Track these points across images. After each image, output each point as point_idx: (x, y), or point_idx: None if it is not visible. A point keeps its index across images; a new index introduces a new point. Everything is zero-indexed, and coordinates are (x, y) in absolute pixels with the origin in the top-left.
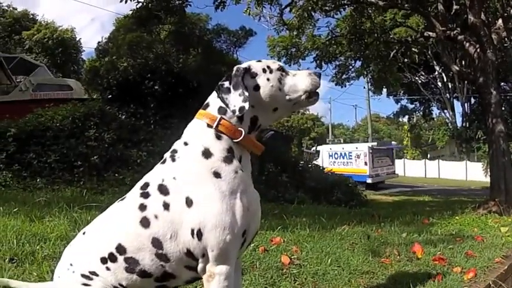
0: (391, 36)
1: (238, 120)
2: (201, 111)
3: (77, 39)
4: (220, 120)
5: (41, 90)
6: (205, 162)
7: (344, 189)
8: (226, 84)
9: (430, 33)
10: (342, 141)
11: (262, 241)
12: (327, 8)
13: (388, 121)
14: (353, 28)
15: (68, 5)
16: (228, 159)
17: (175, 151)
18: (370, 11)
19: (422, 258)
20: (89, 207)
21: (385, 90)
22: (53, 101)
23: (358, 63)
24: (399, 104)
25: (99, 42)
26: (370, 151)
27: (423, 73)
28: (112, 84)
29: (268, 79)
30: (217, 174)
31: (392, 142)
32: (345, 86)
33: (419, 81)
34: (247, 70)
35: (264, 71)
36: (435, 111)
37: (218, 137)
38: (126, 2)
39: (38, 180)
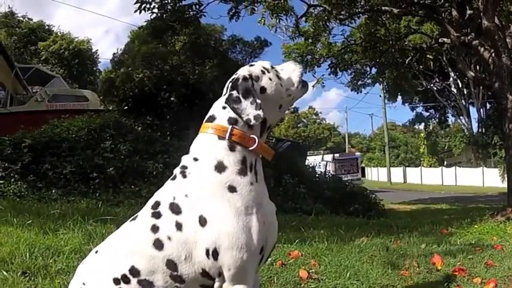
0: (405, 43)
1: (249, 127)
2: (206, 124)
3: (94, 50)
4: (232, 130)
5: (56, 100)
6: (219, 177)
7: (362, 199)
8: (235, 93)
9: (445, 39)
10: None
11: (279, 255)
12: (341, 16)
13: (404, 129)
14: (368, 36)
15: (82, 17)
16: (242, 172)
17: (185, 167)
18: (384, 19)
19: (442, 269)
20: (104, 221)
21: (400, 98)
22: (68, 112)
23: (374, 70)
24: (415, 111)
25: (114, 53)
26: (334, 160)
27: (438, 80)
28: (128, 95)
29: (270, 79)
30: (232, 189)
31: (357, 153)
32: (361, 92)
33: (435, 88)
34: (250, 76)
35: (263, 72)
36: (451, 118)
37: (232, 149)
38: (140, 12)
39: (53, 191)
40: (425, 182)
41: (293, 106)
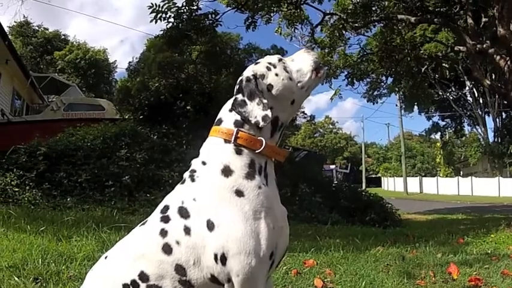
0: (421, 52)
1: (258, 129)
2: (214, 127)
3: (110, 60)
4: (237, 133)
5: (72, 109)
6: (226, 181)
7: (378, 209)
8: (240, 97)
9: (460, 48)
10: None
11: (295, 263)
12: (357, 25)
13: (420, 139)
14: (383, 45)
15: (97, 27)
16: (250, 176)
17: (194, 171)
18: (400, 27)
19: (458, 279)
20: (118, 228)
21: (416, 107)
22: (84, 121)
23: (390, 80)
24: (431, 121)
25: (130, 62)
26: None
27: (454, 89)
28: (144, 104)
29: (276, 74)
30: (239, 193)
31: (331, 166)
32: (377, 103)
33: (451, 97)
34: (255, 75)
35: (269, 68)
36: (467, 128)
37: (238, 152)
38: (156, 22)
39: (68, 199)
40: (442, 192)
41: (309, 115)
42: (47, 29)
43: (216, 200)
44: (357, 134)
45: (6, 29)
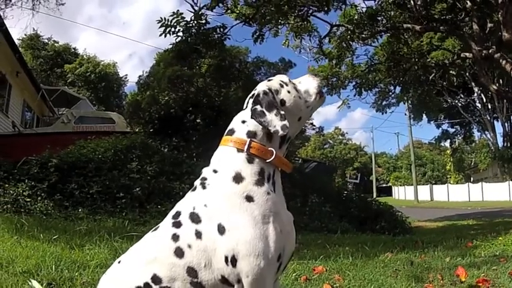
0: (428, 60)
1: (268, 140)
2: (226, 137)
3: (120, 73)
4: (250, 143)
5: (83, 122)
6: (236, 187)
7: (388, 217)
8: (259, 108)
9: (467, 54)
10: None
11: (304, 270)
12: (363, 35)
13: (430, 147)
14: (390, 54)
15: (106, 41)
16: (259, 182)
17: (205, 178)
18: (406, 37)
19: (465, 281)
20: (130, 237)
21: (425, 115)
22: (95, 134)
23: (398, 89)
24: (440, 128)
25: (139, 76)
26: None
27: (462, 96)
28: (154, 117)
29: (288, 91)
30: (249, 198)
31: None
32: (386, 113)
33: (459, 104)
34: (271, 90)
35: (282, 85)
36: (476, 134)
37: (250, 161)
38: (165, 36)
39: (80, 210)
40: (452, 199)
41: (318, 126)
42: (57, 42)
43: (227, 205)
44: (366, 144)
45: (17, 42)
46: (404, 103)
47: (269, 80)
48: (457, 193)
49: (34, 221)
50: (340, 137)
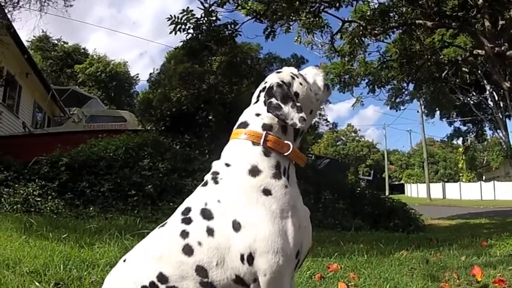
0: (441, 57)
1: (283, 133)
2: (239, 130)
3: (131, 72)
4: (266, 136)
5: (94, 121)
6: (253, 181)
7: (402, 214)
8: (274, 101)
9: (479, 51)
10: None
11: (318, 268)
12: (376, 32)
13: (442, 144)
14: (403, 51)
15: (116, 40)
16: (277, 175)
17: (217, 173)
18: (418, 33)
19: (482, 281)
20: (142, 234)
21: (438, 113)
22: (106, 132)
23: (411, 86)
24: (452, 126)
25: (150, 73)
26: None
27: (474, 93)
28: (165, 115)
29: (300, 84)
30: (267, 192)
31: None
32: (399, 110)
33: (471, 102)
34: (284, 82)
35: (293, 77)
36: (488, 132)
37: (266, 154)
38: (175, 33)
39: (91, 208)
40: (465, 198)
41: (332, 122)
42: (67, 43)
43: (243, 200)
44: (379, 141)
45: (27, 44)
46: (418, 100)
47: (278, 72)
48: (469, 191)
49: (44, 220)
50: (353, 134)
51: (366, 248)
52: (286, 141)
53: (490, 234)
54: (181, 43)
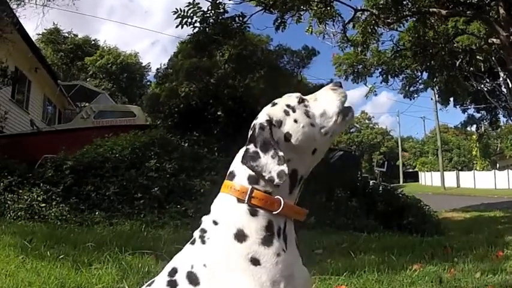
0: (455, 45)
1: (275, 185)
2: (226, 182)
3: (144, 63)
4: (252, 191)
5: (103, 117)
6: (239, 248)
7: (415, 211)
8: (252, 148)
9: (494, 40)
10: None
11: None
12: (389, 20)
13: (456, 131)
14: (417, 39)
15: (128, 30)
16: (267, 241)
17: (204, 231)
18: (432, 21)
19: None
20: (143, 251)
21: (451, 99)
22: (115, 128)
23: (425, 75)
24: (466, 113)
25: (157, 68)
26: None
27: (488, 80)
28: (173, 111)
29: (295, 120)
30: (255, 261)
31: None
32: (413, 99)
33: (485, 89)
34: (270, 121)
35: (287, 113)
36: (502, 119)
37: (253, 213)
38: (182, 27)
39: (97, 213)
40: (478, 186)
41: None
42: (77, 35)
43: (229, 267)
44: (392, 128)
45: (36, 37)
46: (432, 89)
47: (273, 105)
48: (483, 180)
49: (47, 230)
50: (367, 121)
51: (377, 260)
52: (276, 197)
53: (505, 231)
54: (188, 36)
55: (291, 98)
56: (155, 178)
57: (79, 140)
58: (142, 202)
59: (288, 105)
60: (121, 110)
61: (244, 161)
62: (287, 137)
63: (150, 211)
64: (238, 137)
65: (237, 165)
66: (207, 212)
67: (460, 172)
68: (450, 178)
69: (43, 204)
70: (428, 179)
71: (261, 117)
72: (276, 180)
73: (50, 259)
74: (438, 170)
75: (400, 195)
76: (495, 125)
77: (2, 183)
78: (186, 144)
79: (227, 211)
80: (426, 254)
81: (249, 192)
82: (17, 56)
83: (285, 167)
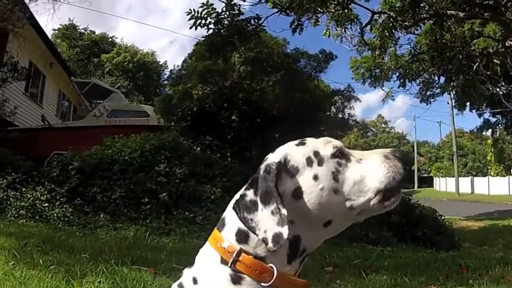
0: (472, 48)
1: (269, 250)
2: (215, 232)
3: (161, 62)
4: (239, 254)
5: (116, 116)
6: None
7: (430, 223)
8: (250, 195)
9: (511, 42)
10: None
11: None
12: (406, 23)
13: (471, 136)
14: (434, 42)
15: (146, 28)
16: None
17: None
18: (449, 23)
19: None
20: (141, 263)
21: (467, 104)
22: (128, 128)
23: (442, 79)
24: (482, 118)
25: (171, 70)
26: None
27: (503, 84)
28: (186, 114)
29: (315, 177)
30: None
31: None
32: (430, 103)
33: (501, 93)
34: (283, 165)
35: (309, 162)
36: None
37: (236, 281)
38: (196, 29)
39: (101, 216)
40: (493, 193)
41: (358, 114)
42: (94, 32)
43: None
44: (408, 132)
45: (53, 33)
46: (449, 93)
47: (300, 144)
48: (497, 186)
49: (46, 231)
50: (383, 125)
51: (389, 282)
52: (269, 265)
53: None
54: (203, 38)
55: (327, 146)
56: (164, 183)
57: (90, 138)
58: (149, 207)
59: (315, 153)
60: (134, 110)
61: (237, 209)
62: (297, 193)
63: (156, 217)
64: (252, 142)
65: (230, 213)
66: (216, 220)
67: (475, 178)
68: (465, 184)
69: (46, 204)
70: (443, 184)
71: (274, 156)
72: (270, 245)
73: (42, 267)
74: (453, 176)
75: (416, 205)
76: (510, 130)
77: (5, 180)
78: (198, 149)
79: (208, 271)
80: (440, 274)
81: (234, 255)
82: (32, 50)
83: (284, 230)
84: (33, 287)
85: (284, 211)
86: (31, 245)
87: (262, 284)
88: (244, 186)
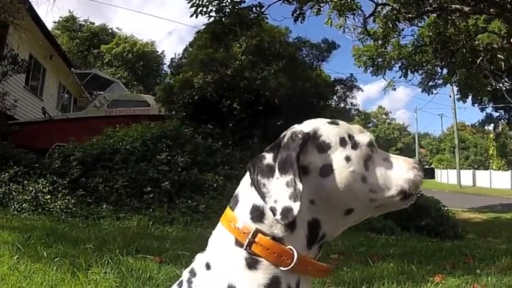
0: (476, 43)
1: (288, 227)
2: (228, 211)
3: (159, 52)
4: (255, 234)
5: (116, 106)
6: None
7: (434, 213)
8: (269, 158)
9: None
10: None
11: None
12: (410, 15)
13: (473, 129)
14: (437, 35)
15: (144, 19)
16: None
17: (193, 274)
18: (453, 17)
19: None
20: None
21: (470, 97)
22: (129, 118)
23: (445, 71)
24: (484, 112)
25: (172, 58)
26: None
27: (507, 79)
28: (187, 102)
29: (348, 158)
30: None
31: None
32: (432, 94)
33: (504, 88)
34: (312, 137)
35: (343, 142)
36: None
37: (251, 265)
38: (196, 17)
39: (104, 206)
40: (494, 186)
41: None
42: (93, 23)
43: None
44: (409, 123)
45: (53, 25)
46: (451, 85)
47: (332, 123)
48: (499, 180)
49: (49, 224)
50: (384, 117)
51: (395, 269)
52: (288, 247)
53: None
54: (204, 26)
55: (363, 134)
56: (166, 171)
57: (91, 129)
58: (151, 196)
59: (350, 135)
60: (135, 100)
61: (252, 169)
62: (324, 171)
63: (159, 206)
64: (253, 131)
65: (243, 188)
66: (219, 208)
67: (477, 171)
68: (466, 176)
69: (48, 196)
70: (445, 176)
71: (302, 126)
72: (278, 216)
73: (46, 260)
74: (454, 168)
75: (419, 195)
76: None
77: (7, 174)
78: (200, 137)
79: (222, 255)
80: (447, 263)
81: (250, 236)
82: (32, 43)
83: (296, 206)
84: (38, 280)
85: (300, 185)
86: (35, 238)
87: (280, 268)
88: (268, 151)
